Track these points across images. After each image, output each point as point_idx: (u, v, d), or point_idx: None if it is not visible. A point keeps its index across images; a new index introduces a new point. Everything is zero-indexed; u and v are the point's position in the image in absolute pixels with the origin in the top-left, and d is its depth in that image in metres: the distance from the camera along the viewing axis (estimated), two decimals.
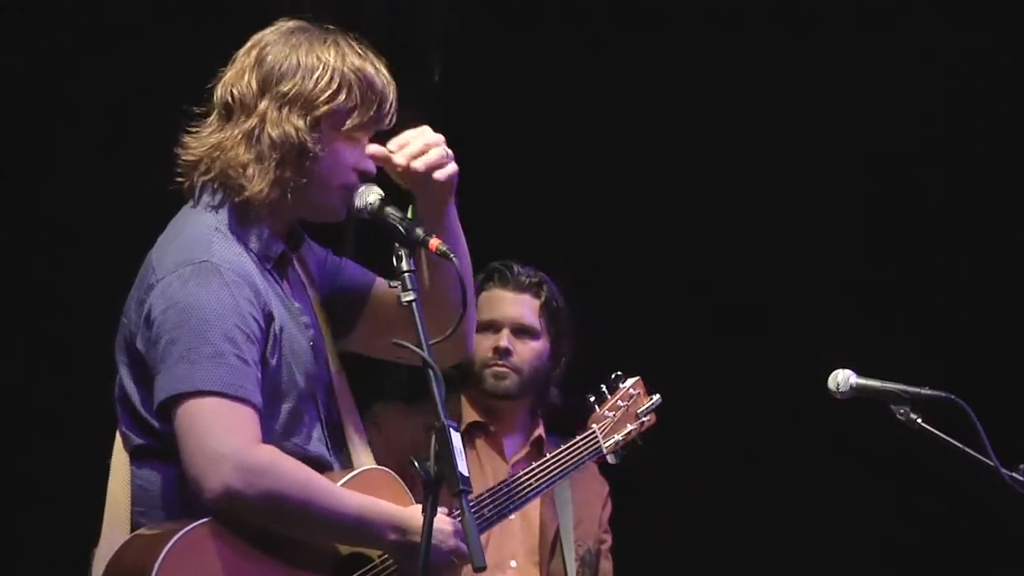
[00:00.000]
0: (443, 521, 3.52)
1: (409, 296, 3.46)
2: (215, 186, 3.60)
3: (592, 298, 5.99)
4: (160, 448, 3.49)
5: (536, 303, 5.21)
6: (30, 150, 5.70)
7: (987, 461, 4.10)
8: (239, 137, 3.58)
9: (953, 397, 4.12)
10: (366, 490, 3.55)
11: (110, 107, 5.71)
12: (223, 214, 3.59)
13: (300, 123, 3.56)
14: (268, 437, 3.46)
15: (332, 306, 3.76)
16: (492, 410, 5.21)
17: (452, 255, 3.52)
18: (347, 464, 3.67)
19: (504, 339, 5.15)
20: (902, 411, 4.19)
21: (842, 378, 4.28)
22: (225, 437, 3.39)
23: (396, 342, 3.43)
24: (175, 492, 3.48)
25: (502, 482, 4.27)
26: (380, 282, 3.78)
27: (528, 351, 5.17)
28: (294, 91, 3.57)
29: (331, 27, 3.65)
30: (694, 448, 6.07)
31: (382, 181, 3.66)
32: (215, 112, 3.63)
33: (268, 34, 3.64)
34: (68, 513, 5.24)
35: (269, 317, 3.52)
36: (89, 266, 5.58)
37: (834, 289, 6.42)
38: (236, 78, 3.61)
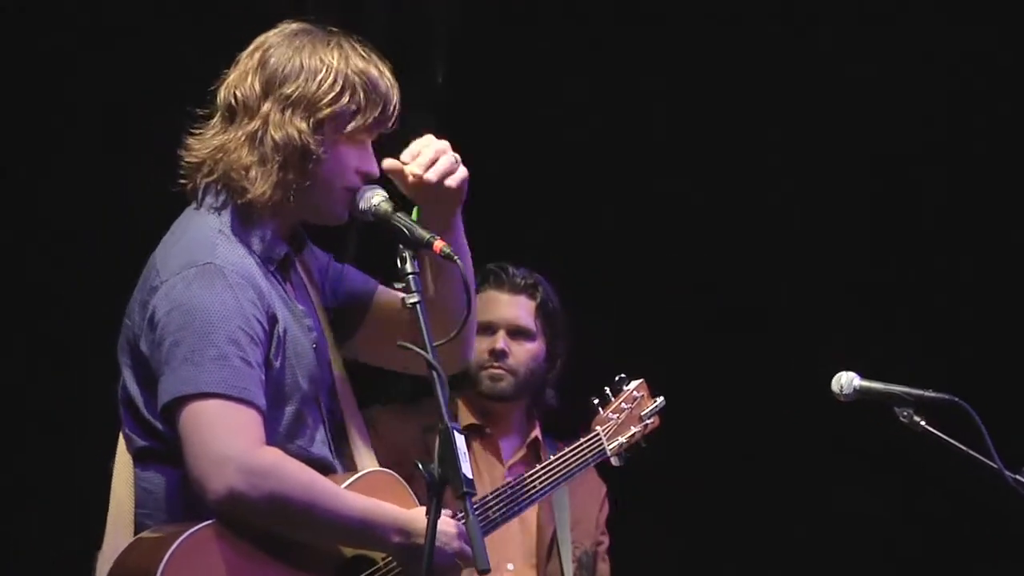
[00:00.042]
0: (447, 523, 3.52)
1: (414, 298, 3.46)
2: (218, 188, 3.60)
3: (592, 298, 6.00)
4: (164, 450, 3.49)
5: (532, 304, 5.20)
6: (30, 150, 5.69)
7: (991, 463, 4.10)
8: (242, 139, 3.58)
9: (957, 400, 4.12)
10: (369, 492, 3.55)
11: (110, 107, 5.70)
12: (226, 216, 3.59)
13: (303, 125, 3.56)
14: (271, 439, 3.46)
15: (333, 313, 3.76)
16: (488, 412, 5.21)
17: (456, 257, 3.52)
18: (350, 466, 3.68)
19: (500, 341, 5.15)
20: (905, 413, 4.18)
21: (846, 380, 4.27)
22: (229, 439, 3.39)
23: (401, 344, 3.42)
24: (179, 494, 3.48)
25: (507, 484, 4.26)
26: (382, 290, 3.79)
27: (524, 353, 5.17)
28: (297, 93, 3.57)
29: (335, 29, 3.65)
30: (694, 448, 6.06)
31: (385, 184, 3.65)
32: (218, 114, 3.63)
33: (272, 36, 3.64)
34: (68, 513, 5.25)
35: (273, 319, 3.52)
36: (89, 266, 5.58)
37: (834, 289, 6.42)
38: (239, 80, 3.61)
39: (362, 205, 3.61)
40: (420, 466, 3.30)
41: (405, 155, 3.64)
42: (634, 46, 6.40)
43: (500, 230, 5.45)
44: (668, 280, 6.38)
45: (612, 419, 4.68)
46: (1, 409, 5.62)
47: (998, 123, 6.30)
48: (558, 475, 4.46)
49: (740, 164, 6.43)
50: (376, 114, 3.60)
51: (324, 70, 3.57)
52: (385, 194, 3.62)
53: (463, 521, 3.48)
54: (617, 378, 4.76)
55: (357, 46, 3.63)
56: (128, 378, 3.54)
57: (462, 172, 3.65)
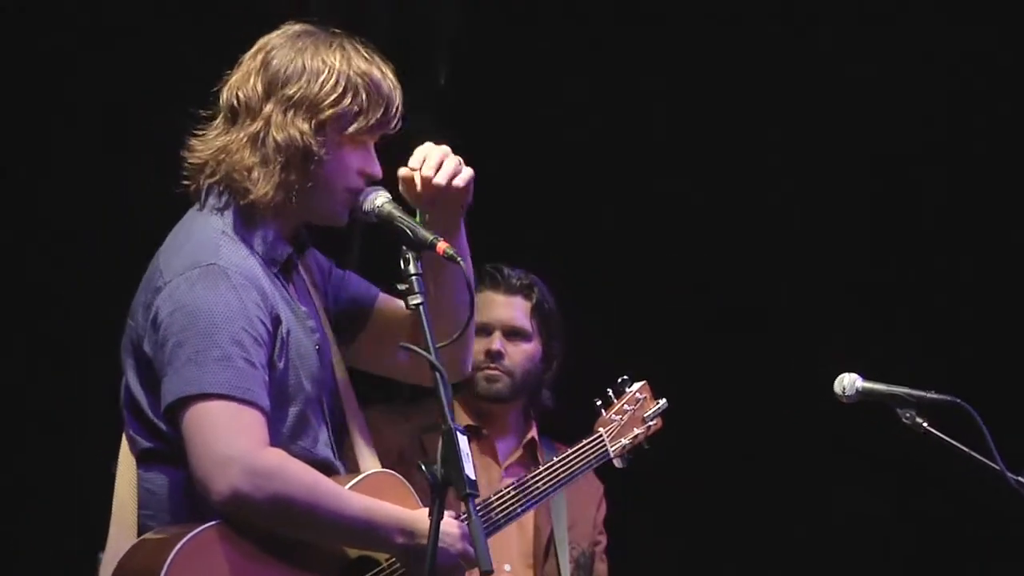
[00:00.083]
0: (450, 524, 3.52)
1: (417, 299, 3.46)
2: (220, 189, 3.60)
3: (592, 298, 6.00)
4: (167, 451, 3.49)
5: (527, 305, 5.20)
6: (30, 150, 5.69)
7: (993, 465, 4.10)
8: (244, 140, 3.58)
9: (959, 401, 4.12)
10: (373, 493, 3.55)
11: (110, 107, 5.70)
12: (229, 217, 3.59)
13: (305, 127, 3.56)
14: (275, 440, 3.46)
15: (334, 318, 3.76)
16: (484, 413, 5.20)
17: (459, 259, 3.52)
18: (353, 467, 3.68)
19: (496, 342, 5.14)
20: (908, 414, 4.19)
21: (848, 382, 4.27)
22: (233, 440, 3.39)
23: (403, 345, 3.43)
24: (182, 495, 3.48)
25: (509, 485, 4.26)
26: (383, 297, 3.80)
27: (520, 353, 5.17)
28: (299, 95, 3.57)
29: (337, 31, 3.65)
30: (694, 448, 6.06)
31: (388, 186, 3.65)
32: (220, 115, 3.63)
33: (274, 38, 3.64)
34: (68, 513, 5.26)
35: (276, 320, 3.52)
36: (89, 266, 5.58)
37: (834, 289, 6.42)
38: (242, 81, 3.61)
39: (365, 206, 3.61)
40: (423, 467, 3.30)
41: (412, 163, 3.64)
42: (634, 46, 6.40)
43: (500, 230, 5.44)
44: (668, 280, 6.38)
45: (615, 421, 4.68)
46: (1, 409, 5.62)
47: (998, 123, 6.30)
48: (561, 477, 4.45)
49: (740, 164, 6.43)
50: (378, 115, 3.60)
51: (326, 71, 3.57)
52: (388, 195, 3.62)
53: (466, 522, 3.48)
54: (620, 380, 4.76)
55: (360, 47, 3.63)
56: (131, 379, 3.54)
57: (468, 172, 3.66)
